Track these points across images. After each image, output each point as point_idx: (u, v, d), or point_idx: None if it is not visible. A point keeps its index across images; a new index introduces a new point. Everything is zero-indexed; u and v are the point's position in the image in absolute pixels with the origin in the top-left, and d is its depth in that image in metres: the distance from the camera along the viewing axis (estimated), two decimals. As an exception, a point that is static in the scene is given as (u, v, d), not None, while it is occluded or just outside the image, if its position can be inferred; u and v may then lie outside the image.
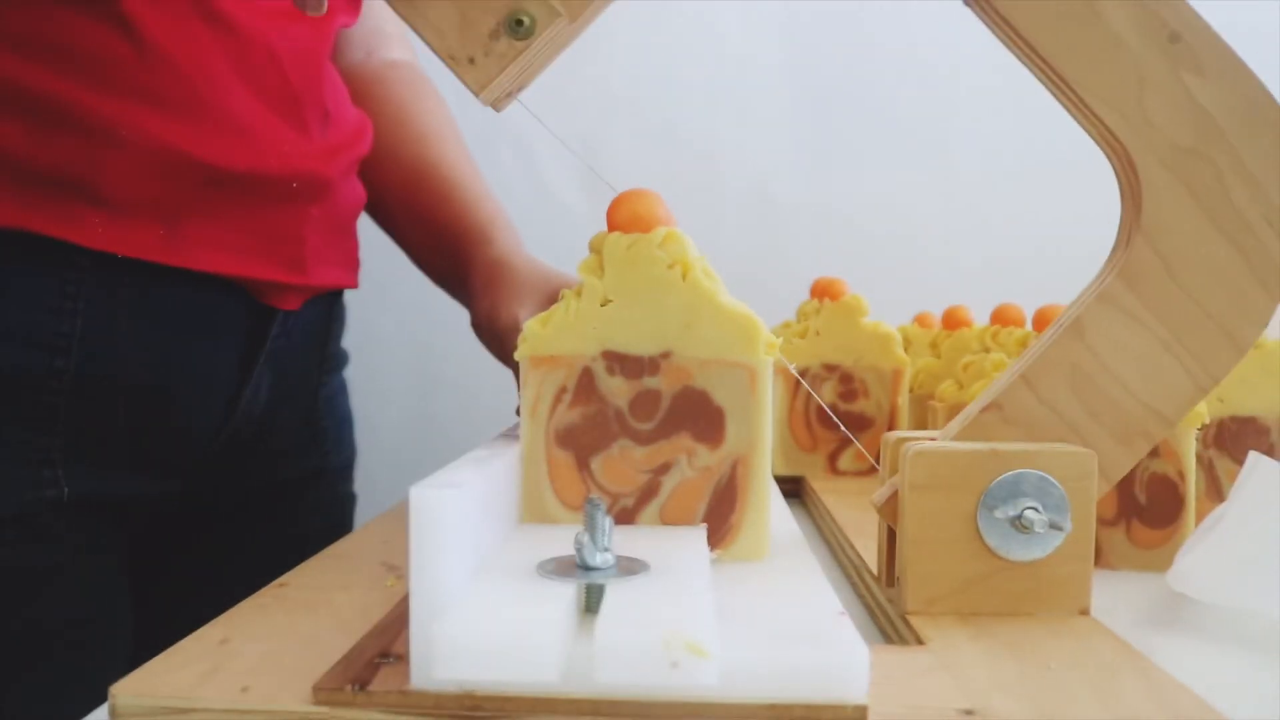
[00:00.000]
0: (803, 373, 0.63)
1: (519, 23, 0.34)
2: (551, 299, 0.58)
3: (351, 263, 0.66)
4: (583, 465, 0.35)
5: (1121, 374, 0.36)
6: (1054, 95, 0.36)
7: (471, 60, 0.35)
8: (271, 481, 0.64)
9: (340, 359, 0.70)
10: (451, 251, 0.65)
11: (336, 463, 0.69)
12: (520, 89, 0.39)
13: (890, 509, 0.36)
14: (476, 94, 0.35)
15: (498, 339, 0.58)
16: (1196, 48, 0.34)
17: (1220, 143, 0.34)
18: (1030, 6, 0.35)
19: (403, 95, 0.69)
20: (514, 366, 0.54)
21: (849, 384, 0.64)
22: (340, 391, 0.70)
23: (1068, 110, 0.36)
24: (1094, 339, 0.35)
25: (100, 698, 0.28)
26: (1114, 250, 0.36)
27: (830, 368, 0.64)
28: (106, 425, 0.53)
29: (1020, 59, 0.36)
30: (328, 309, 0.65)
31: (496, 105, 0.37)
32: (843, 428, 0.63)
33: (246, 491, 0.63)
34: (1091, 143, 0.36)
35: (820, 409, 0.63)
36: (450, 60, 0.35)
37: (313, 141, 0.57)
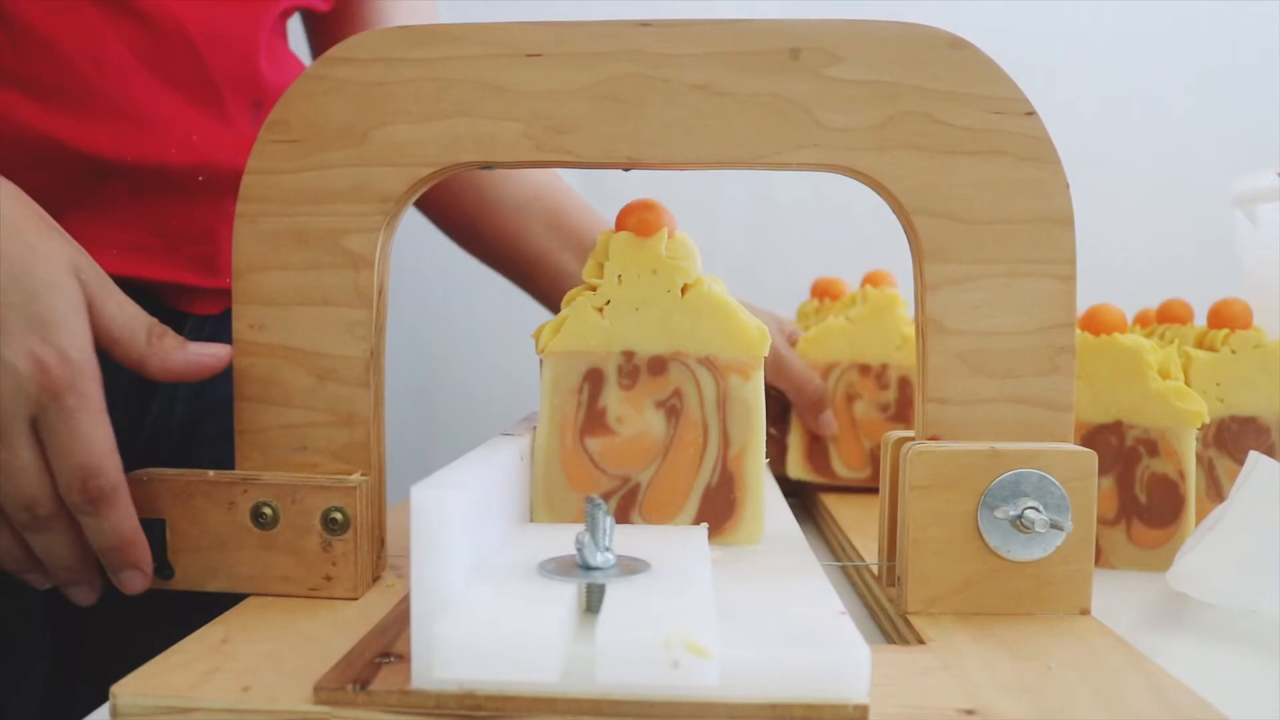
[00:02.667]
0: (830, 367, 0.61)
1: (333, 521, 0.36)
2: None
3: None
4: (593, 454, 0.37)
5: (999, 326, 0.35)
6: (765, 169, 0.36)
7: (329, 579, 0.36)
8: None
9: None
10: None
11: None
12: (383, 566, 0.39)
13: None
14: (353, 597, 0.36)
15: None
16: (819, 45, 0.35)
17: (904, 92, 0.35)
18: (680, 141, 0.35)
19: None
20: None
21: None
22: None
23: (784, 169, 0.36)
24: (953, 322, 0.35)
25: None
26: (909, 245, 0.36)
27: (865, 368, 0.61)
28: None
29: (720, 169, 0.36)
30: None
31: (374, 579, 0.38)
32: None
33: None
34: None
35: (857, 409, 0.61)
36: (314, 592, 0.36)
37: (234, 131, 0.53)
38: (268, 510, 0.36)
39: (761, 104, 0.35)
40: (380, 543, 0.38)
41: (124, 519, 0.36)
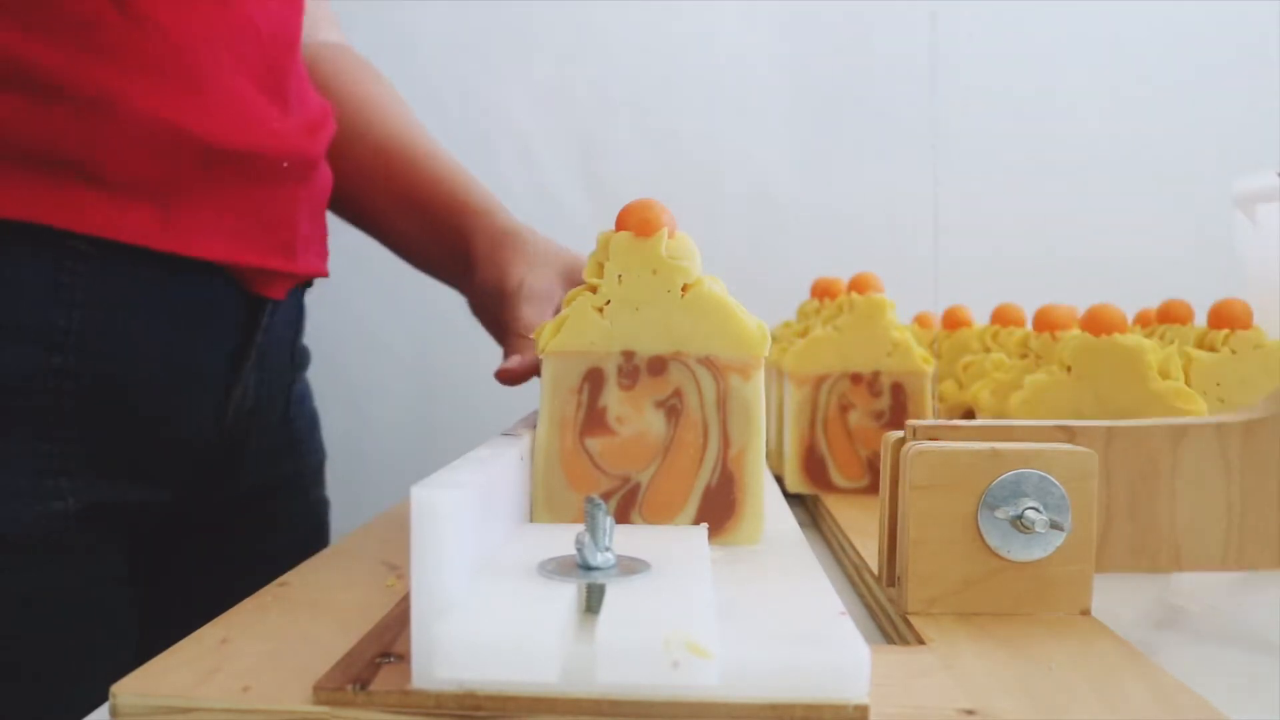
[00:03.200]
0: (821, 379, 0.61)
1: None
2: (565, 271, 0.57)
3: (326, 250, 0.63)
4: (593, 454, 0.37)
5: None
6: None
7: None
8: (252, 487, 0.60)
9: (305, 356, 0.66)
10: (450, 227, 0.62)
11: (311, 465, 0.66)
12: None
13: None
14: None
15: (505, 300, 0.55)
16: None
17: None
18: None
19: (352, 77, 0.66)
20: (512, 336, 0.53)
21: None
22: (307, 392, 0.67)
23: None
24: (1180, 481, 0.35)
25: None
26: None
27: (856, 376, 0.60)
28: (107, 427, 0.49)
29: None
30: (299, 300, 0.62)
31: None
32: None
33: (228, 499, 0.59)
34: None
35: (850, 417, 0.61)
36: None
37: (294, 120, 0.55)
38: None
39: None
40: None
41: None
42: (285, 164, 0.53)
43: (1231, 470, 0.34)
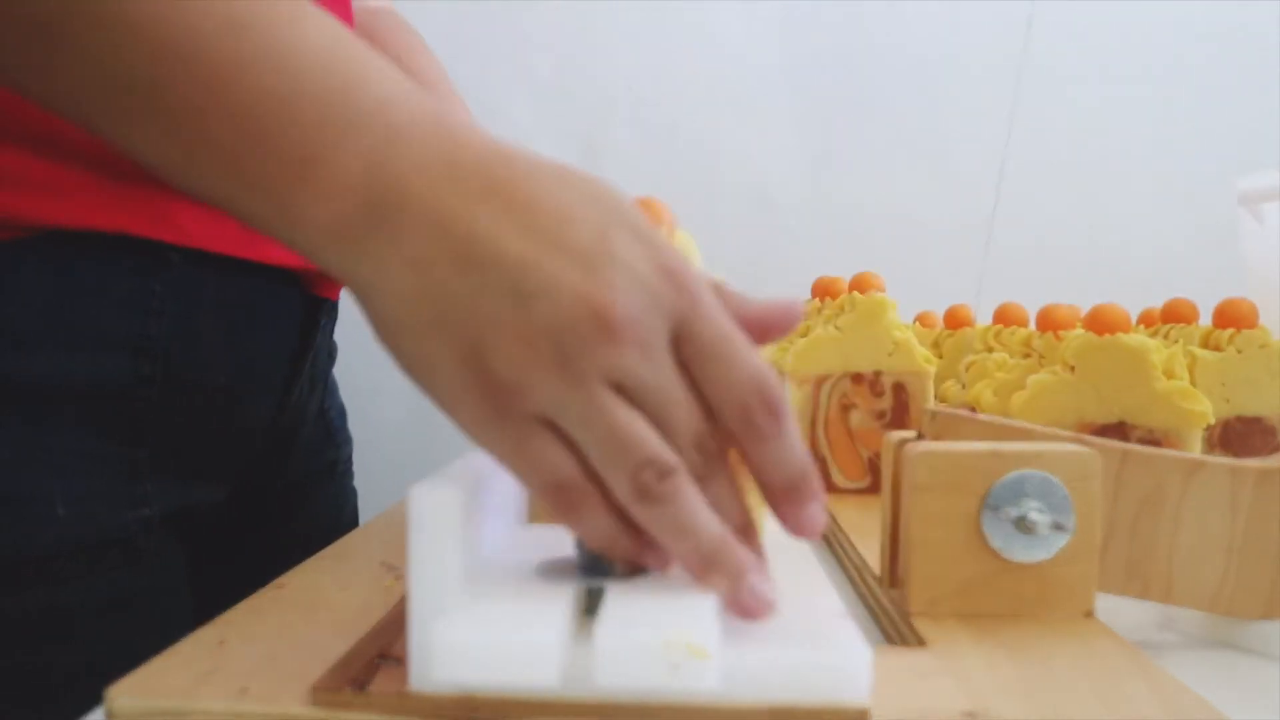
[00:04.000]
0: (822, 379, 0.61)
1: None
2: None
3: None
4: None
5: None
6: None
7: None
8: (298, 476, 0.61)
9: (335, 348, 0.68)
10: None
11: (346, 454, 0.67)
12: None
13: None
14: None
15: None
16: None
17: None
18: None
19: (393, 50, 0.64)
20: None
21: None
22: (335, 383, 0.69)
23: None
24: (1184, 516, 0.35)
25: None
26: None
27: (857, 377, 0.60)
28: (188, 432, 0.49)
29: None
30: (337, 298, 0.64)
31: None
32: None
33: (277, 490, 0.60)
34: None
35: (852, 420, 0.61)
36: None
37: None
38: None
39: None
40: None
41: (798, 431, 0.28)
42: None
43: (1238, 514, 0.34)
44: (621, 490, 0.26)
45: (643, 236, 0.28)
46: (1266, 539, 0.34)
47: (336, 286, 0.57)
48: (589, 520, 0.27)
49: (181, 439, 0.49)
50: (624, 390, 0.26)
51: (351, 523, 0.69)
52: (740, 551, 0.27)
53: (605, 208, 0.28)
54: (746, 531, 0.29)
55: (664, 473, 0.26)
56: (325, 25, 0.30)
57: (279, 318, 0.53)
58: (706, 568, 0.27)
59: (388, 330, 0.28)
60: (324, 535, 0.63)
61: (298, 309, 0.55)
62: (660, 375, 0.27)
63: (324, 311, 0.57)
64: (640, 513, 0.26)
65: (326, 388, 0.65)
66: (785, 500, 0.28)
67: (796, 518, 0.28)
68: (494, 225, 0.27)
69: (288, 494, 0.61)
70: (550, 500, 0.27)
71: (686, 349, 0.27)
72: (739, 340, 0.27)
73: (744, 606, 0.27)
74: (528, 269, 0.26)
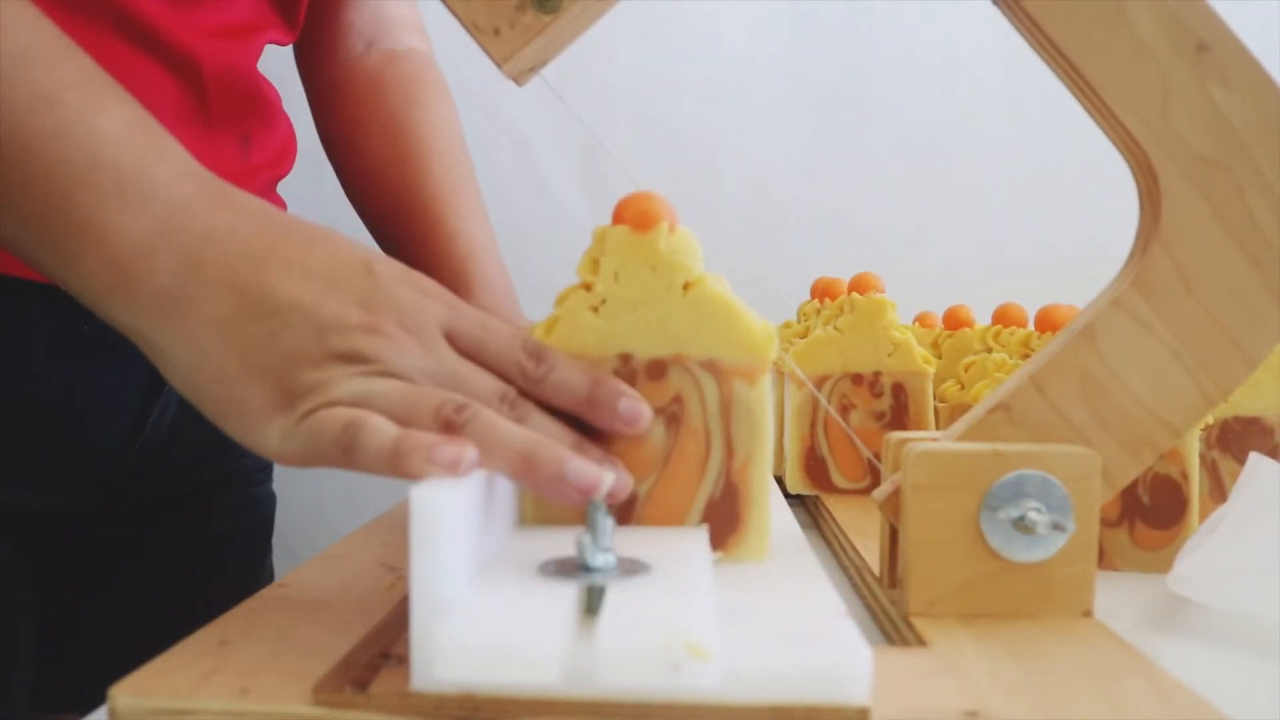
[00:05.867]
0: (822, 380, 0.61)
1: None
2: None
3: None
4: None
5: (1131, 382, 0.35)
6: (1077, 98, 0.36)
7: (497, 31, 0.35)
8: (181, 489, 0.62)
9: None
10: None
11: (251, 464, 0.67)
12: (544, 63, 0.38)
13: (892, 506, 0.36)
14: (500, 65, 0.35)
15: None
16: (1224, 59, 0.34)
17: (1243, 156, 0.34)
18: (1059, 8, 0.34)
19: (396, 103, 0.65)
20: None
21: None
22: None
23: (1090, 114, 0.36)
24: (1105, 345, 0.35)
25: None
26: (1130, 257, 0.36)
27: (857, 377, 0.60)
28: (16, 443, 0.52)
29: (1046, 61, 0.36)
30: None
31: (519, 79, 0.37)
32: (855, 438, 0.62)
33: (155, 501, 0.61)
34: (1093, 141, 0.36)
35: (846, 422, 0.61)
36: (475, 30, 0.35)
37: (225, 164, 0.55)
38: None
39: (1141, 55, 0.34)
40: (546, 60, 0.38)
41: (573, 362, 0.34)
42: None
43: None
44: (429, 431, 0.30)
45: (398, 268, 0.34)
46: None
47: None
48: (369, 435, 0.30)
49: (8, 449, 0.51)
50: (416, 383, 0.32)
51: (261, 525, 0.68)
52: (559, 447, 0.31)
53: (365, 253, 0.34)
54: (580, 447, 0.33)
55: (460, 407, 0.30)
56: (127, 107, 0.35)
57: (124, 342, 0.55)
58: (527, 464, 0.30)
59: (191, 383, 0.32)
60: (218, 540, 0.63)
61: None
62: (443, 361, 0.32)
63: None
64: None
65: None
66: (593, 410, 0.33)
67: (611, 418, 0.33)
68: (280, 278, 0.32)
69: (165, 504, 0.62)
70: (339, 438, 0.30)
71: (459, 342, 0.33)
72: (493, 320, 0.34)
73: (578, 487, 0.30)
74: (317, 309, 0.32)
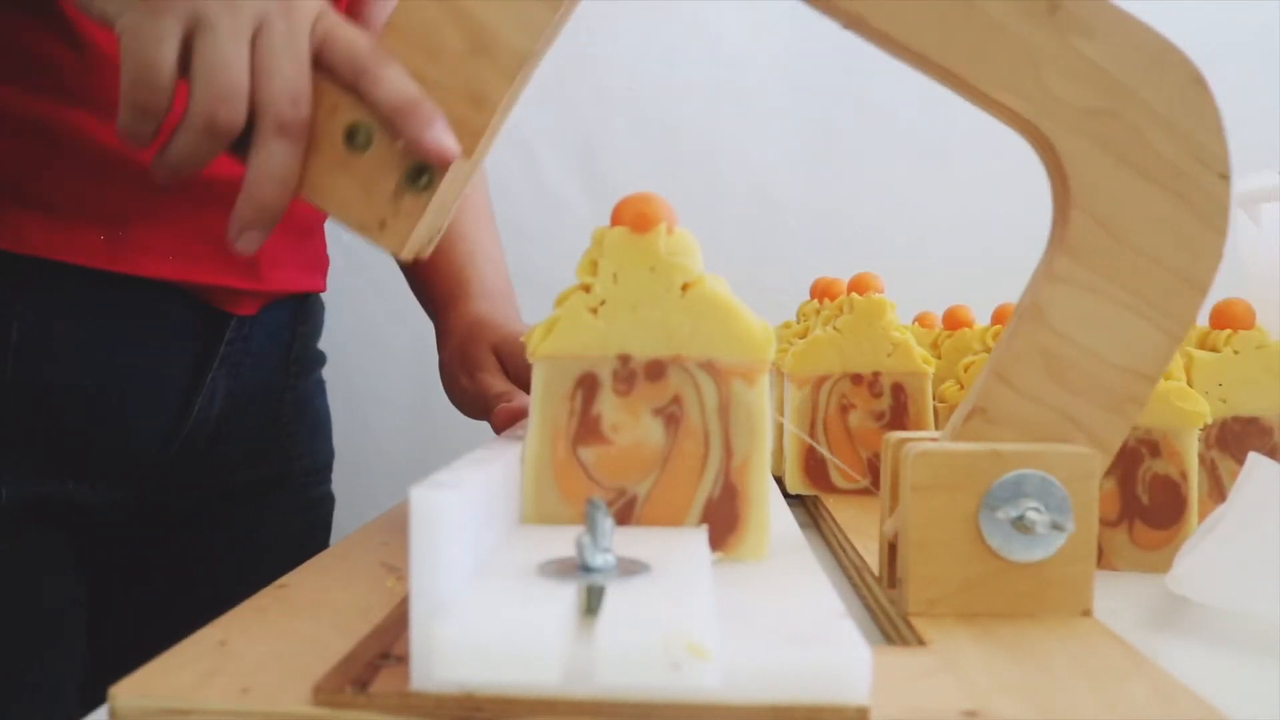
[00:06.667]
0: (821, 380, 0.61)
1: (419, 175, 0.35)
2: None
3: (315, 266, 0.65)
4: (587, 464, 0.36)
5: (1092, 346, 0.35)
6: (955, 92, 0.36)
7: (382, 225, 0.35)
8: (230, 486, 0.62)
9: (313, 361, 0.68)
10: (431, 308, 0.65)
11: (308, 465, 0.68)
12: (439, 231, 0.39)
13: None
14: (396, 254, 0.36)
15: (458, 400, 0.59)
16: (1078, 11, 0.34)
17: (1128, 97, 0.34)
18: (907, 17, 0.35)
19: None
20: (483, 417, 0.56)
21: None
22: (314, 394, 0.69)
23: (972, 103, 0.36)
24: (1057, 320, 0.35)
25: (51, 711, 0.28)
26: (1052, 229, 0.36)
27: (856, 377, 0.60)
28: (45, 430, 0.52)
29: (913, 66, 0.36)
30: (292, 312, 0.64)
31: (421, 254, 0.38)
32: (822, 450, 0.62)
33: (204, 497, 0.62)
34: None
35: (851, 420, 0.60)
36: (361, 229, 0.35)
37: None
38: (363, 134, 0.35)
39: (1000, 34, 0.35)
40: (438, 231, 0.38)
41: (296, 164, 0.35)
42: None
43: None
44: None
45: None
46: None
47: (250, 303, 0.58)
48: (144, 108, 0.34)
49: (42, 435, 0.52)
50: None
51: (316, 528, 0.69)
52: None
53: None
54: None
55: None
56: None
57: (165, 330, 0.55)
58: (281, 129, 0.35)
59: None
60: (269, 541, 0.64)
61: (193, 323, 0.56)
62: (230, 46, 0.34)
63: (231, 327, 0.58)
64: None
65: (284, 400, 0.65)
66: (407, 120, 0.34)
67: (423, 139, 0.34)
68: None
69: (218, 501, 0.62)
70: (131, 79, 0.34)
71: (257, 40, 0.35)
72: (301, 58, 0.35)
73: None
74: None
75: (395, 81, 0.35)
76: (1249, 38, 1.07)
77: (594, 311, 0.35)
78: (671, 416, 0.35)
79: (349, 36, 0.36)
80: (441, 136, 0.34)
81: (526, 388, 0.56)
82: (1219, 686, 0.28)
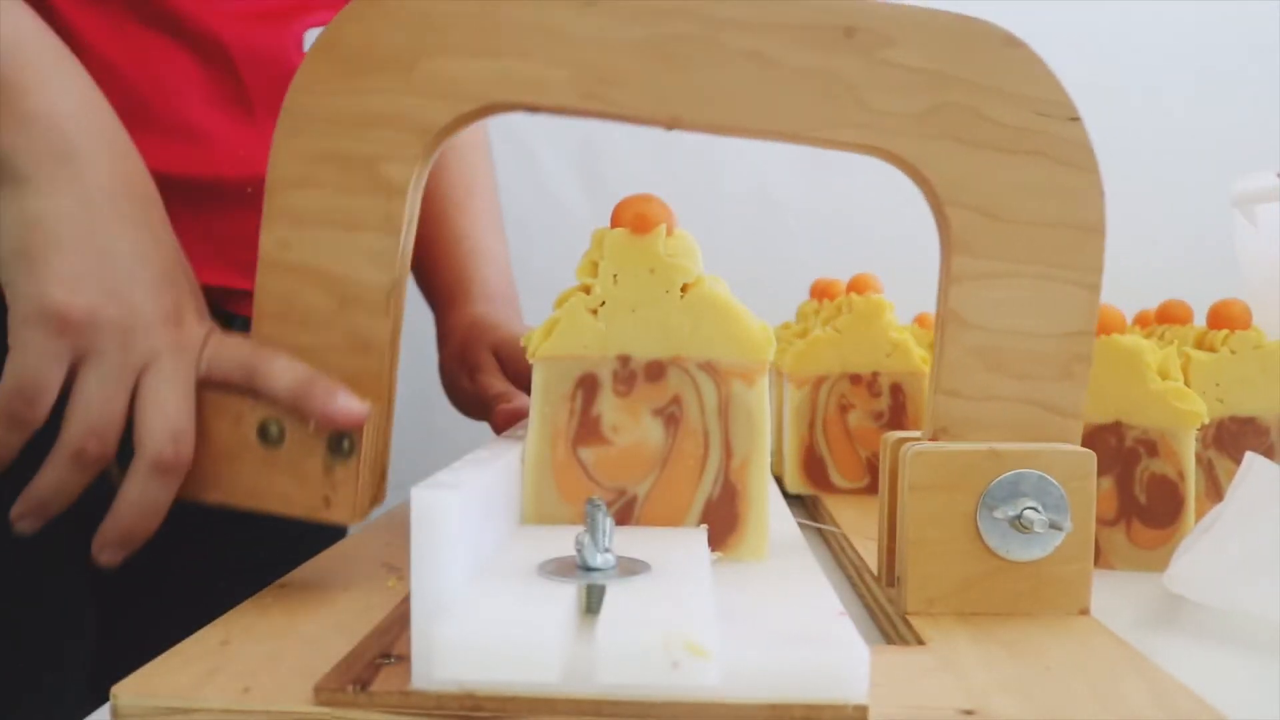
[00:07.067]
0: (821, 380, 0.61)
1: (340, 442, 0.36)
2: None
3: None
4: (587, 464, 0.36)
5: (1019, 327, 0.35)
6: (799, 144, 0.36)
7: (327, 501, 0.36)
8: None
9: None
10: (432, 308, 0.65)
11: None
12: (382, 491, 0.39)
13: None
14: (350, 524, 0.36)
15: (457, 401, 0.59)
16: (873, 26, 0.35)
17: (951, 85, 0.35)
18: (714, 100, 0.35)
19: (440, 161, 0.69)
20: (483, 418, 0.56)
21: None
22: None
23: (819, 147, 0.36)
24: (975, 317, 0.35)
25: (57, 710, 0.28)
26: (939, 235, 0.36)
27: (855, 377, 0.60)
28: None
29: (747, 138, 0.36)
30: None
31: (377, 500, 0.38)
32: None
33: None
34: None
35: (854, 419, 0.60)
36: (309, 512, 0.36)
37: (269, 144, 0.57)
38: (274, 428, 0.36)
39: (810, 78, 0.35)
40: (382, 474, 0.38)
41: (168, 497, 0.36)
42: (249, 189, 0.53)
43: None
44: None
45: (181, 282, 0.39)
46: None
47: (248, 303, 0.57)
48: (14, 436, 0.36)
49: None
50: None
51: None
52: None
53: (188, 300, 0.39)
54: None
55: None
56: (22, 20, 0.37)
57: None
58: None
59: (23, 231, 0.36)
60: (268, 546, 0.65)
61: None
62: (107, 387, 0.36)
63: (236, 327, 0.57)
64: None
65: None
66: (308, 403, 0.35)
67: (329, 414, 0.35)
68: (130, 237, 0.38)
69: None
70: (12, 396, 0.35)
71: (142, 380, 0.37)
72: (187, 397, 0.36)
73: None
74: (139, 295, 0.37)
75: (284, 371, 0.36)
76: (1246, 39, 1.07)
77: (594, 312, 0.35)
78: (671, 417, 0.35)
79: (231, 346, 0.37)
80: (345, 404, 0.35)
81: (526, 389, 0.56)
82: (1216, 685, 0.28)
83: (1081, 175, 0.35)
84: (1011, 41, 0.35)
